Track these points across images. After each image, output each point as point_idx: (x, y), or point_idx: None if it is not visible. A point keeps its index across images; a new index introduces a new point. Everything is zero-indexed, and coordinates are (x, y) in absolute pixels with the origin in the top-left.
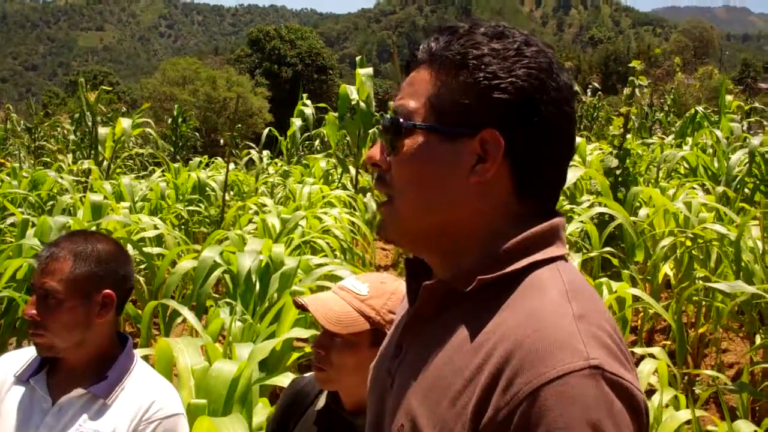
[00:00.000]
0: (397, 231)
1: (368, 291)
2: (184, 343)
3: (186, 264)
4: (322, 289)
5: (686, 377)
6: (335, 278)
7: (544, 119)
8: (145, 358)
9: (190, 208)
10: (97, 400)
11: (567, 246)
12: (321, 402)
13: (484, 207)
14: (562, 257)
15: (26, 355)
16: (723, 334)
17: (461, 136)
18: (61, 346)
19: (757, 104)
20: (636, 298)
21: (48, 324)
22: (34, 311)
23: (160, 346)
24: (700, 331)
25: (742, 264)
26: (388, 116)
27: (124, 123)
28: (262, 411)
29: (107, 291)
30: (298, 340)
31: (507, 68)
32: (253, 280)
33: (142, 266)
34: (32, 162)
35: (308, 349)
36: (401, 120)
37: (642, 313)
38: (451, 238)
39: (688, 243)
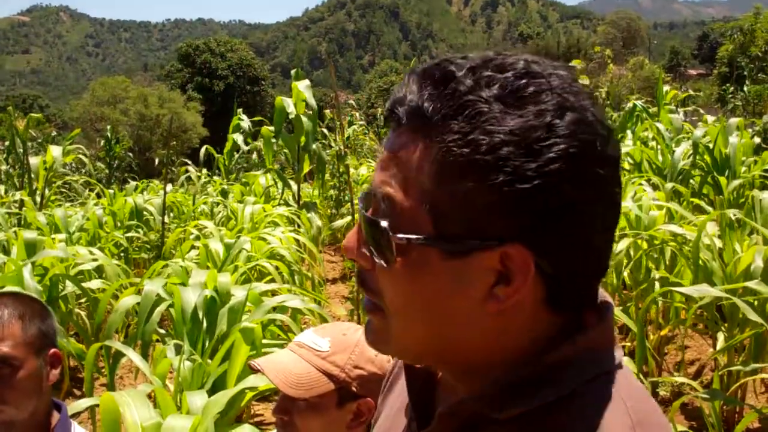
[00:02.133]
0: (390, 348)
1: (329, 346)
2: (130, 396)
3: (128, 300)
4: (272, 321)
5: (647, 376)
6: (285, 309)
7: (585, 221)
8: (91, 409)
9: (129, 234)
10: None
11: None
12: None
13: (505, 331)
14: (617, 365)
15: None
16: (683, 331)
17: (474, 250)
18: (19, 419)
19: (690, 91)
20: None
21: (7, 396)
22: None
23: (104, 401)
24: (662, 333)
25: (700, 263)
26: (368, 215)
27: (55, 151)
28: None
29: (54, 350)
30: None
31: (534, 161)
32: (200, 316)
33: (83, 300)
34: None
35: (262, 387)
36: (389, 229)
37: None
38: (465, 361)
39: (645, 246)
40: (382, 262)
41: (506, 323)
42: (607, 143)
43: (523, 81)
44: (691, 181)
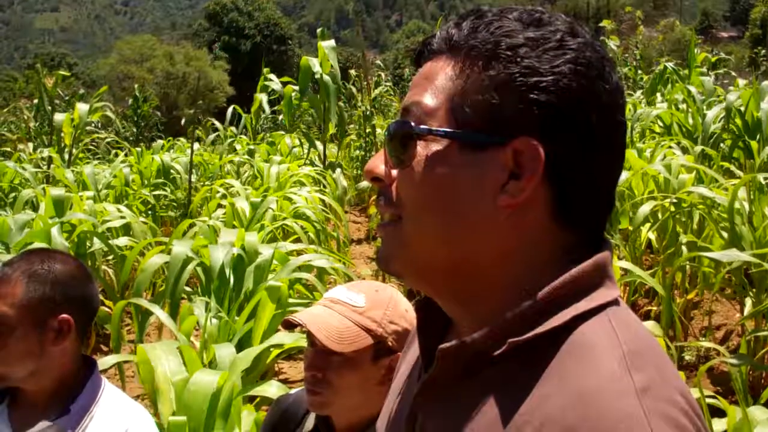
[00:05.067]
0: (402, 261)
1: (365, 302)
2: (162, 349)
3: (156, 260)
4: (299, 280)
5: (673, 341)
6: (311, 268)
7: (592, 128)
8: (118, 365)
9: (156, 192)
10: None
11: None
12: (309, 424)
13: (515, 236)
14: (613, 301)
15: None
16: (710, 296)
17: (489, 145)
18: (14, 377)
19: (722, 54)
20: (625, 271)
21: None
22: None
23: (141, 356)
24: (689, 297)
25: (729, 226)
26: (397, 120)
27: (81, 108)
28: (247, 418)
29: (64, 316)
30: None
31: (548, 62)
32: (227, 274)
33: (110, 257)
34: None
35: (288, 345)
36: (412, 123)
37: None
38: (470, 280)
39: (672, 208)
40: (404, 161)
41: (514, 229)
42: (613, 72)
43: (539, 12)
44: (722, 145)
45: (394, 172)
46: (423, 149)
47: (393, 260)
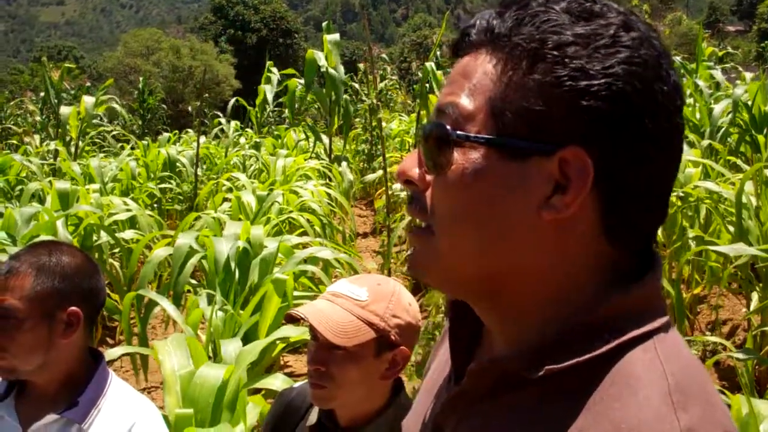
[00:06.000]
0: (435, 272)
1: (368, 295)
2: (172, 345)
3: (161, 252)
4: (304, 273)
5: None
6: (317, 261)
7: (647, 135)
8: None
9: (163, 185)
10: (72, 426)
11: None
12: (313, 417)
13: (558, 252)
14: (662, 327)
15: None
16: (716, 290)
17: (533, 154)
18: (23, 369)
19: (729, 48)
20: None
21: (7, 345)
22: None
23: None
24: (695, 291)
25: (735, 220)
26: (432, 121)
27: (87, 101)
28: (254, 410)
29: (73, 308)
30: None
31: (600, 63)
32: (232, 267)
33: (116, 250)
34: None
35: (294, 338)
36: (449, 128)
37: None
38: (507, 294)
39: (679, 203)
40: (440, 167)
41: (558, 244)
42: (671, 69)
43: (590, 2)
44: (729, 139)
45: (429, 177)
46: (460, 156)
47: (424, 271)
